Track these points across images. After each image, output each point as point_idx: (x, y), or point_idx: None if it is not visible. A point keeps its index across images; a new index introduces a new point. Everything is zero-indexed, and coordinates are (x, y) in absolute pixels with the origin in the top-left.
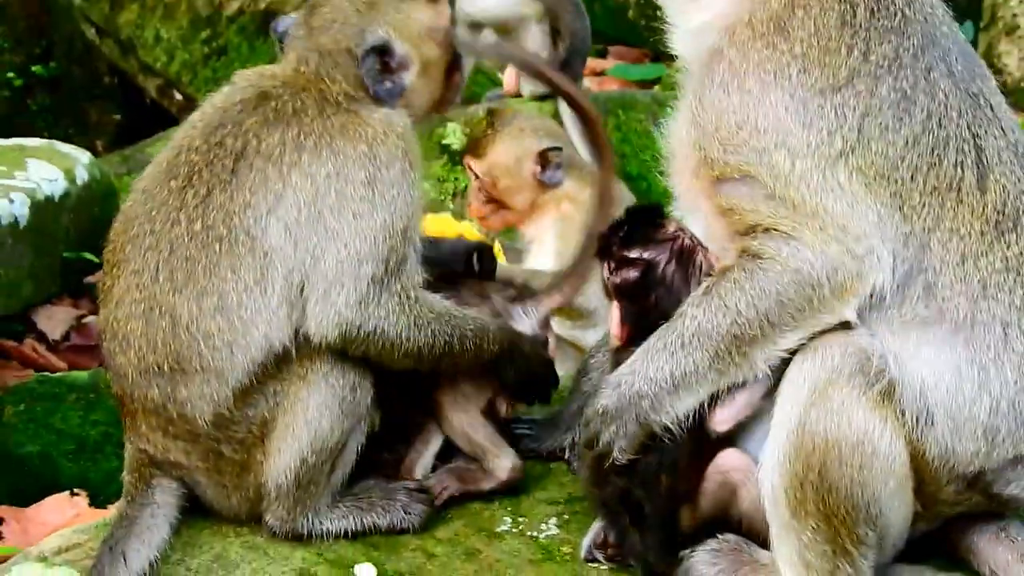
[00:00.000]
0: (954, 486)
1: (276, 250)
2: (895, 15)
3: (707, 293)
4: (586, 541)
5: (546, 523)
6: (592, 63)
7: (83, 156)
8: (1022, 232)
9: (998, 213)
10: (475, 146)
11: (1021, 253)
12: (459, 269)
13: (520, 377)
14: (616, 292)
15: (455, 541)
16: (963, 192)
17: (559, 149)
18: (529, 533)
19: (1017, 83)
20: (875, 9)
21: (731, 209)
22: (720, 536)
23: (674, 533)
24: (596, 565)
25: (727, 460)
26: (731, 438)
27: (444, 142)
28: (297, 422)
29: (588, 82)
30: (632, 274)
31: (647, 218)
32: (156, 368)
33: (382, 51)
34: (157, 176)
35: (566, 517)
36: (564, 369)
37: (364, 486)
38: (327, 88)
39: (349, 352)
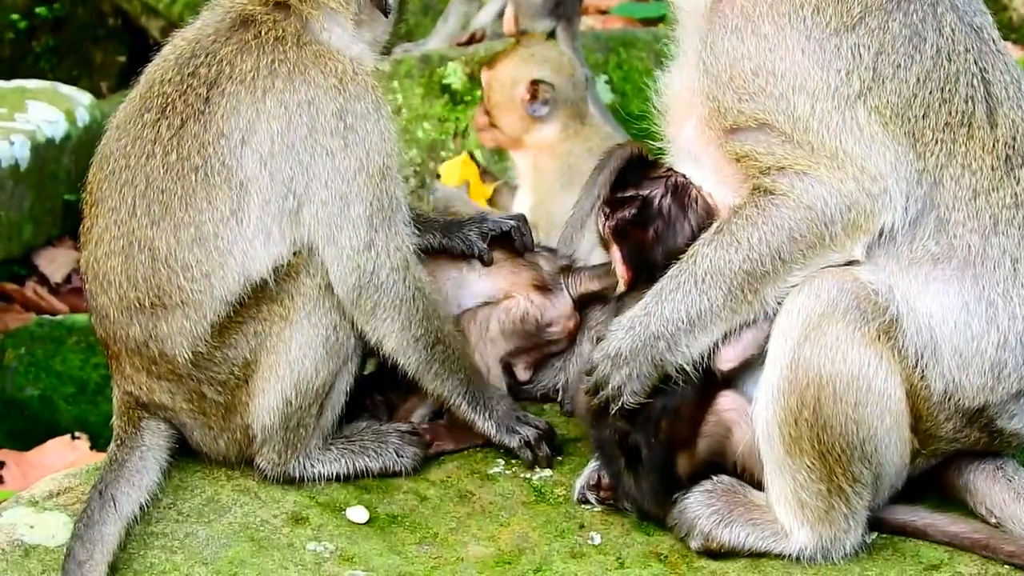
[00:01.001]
0: (953, 423)
1: (252, 180)
2: None
3: (719, 231)
4: (579, 483)
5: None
6: (597, 1)
7: (84, 98)
8: None
9: (1008, 147)
10: (493, 57)
11: None
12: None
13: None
14: (614, 234)
15: (447, 483)
16: (974, 127)
17: (551, 85)
18: (522, 475)
19: (1023, 19)
20: None
21: (745, 156)
22: (715, 478)
23: (670, 477)
24: (588, 507)
25: (723, 401)
26: (733, 381)
27: (445, 82)
28: (280, 363)
29: (591, 20)
30: (629, 211)
31: (635, 161)
32: (137, 304)
33: None
34: (131, 111)
35: (559, 459)
36: None
37: (356, 428)
38: (316, 2)
39: (359, 309)
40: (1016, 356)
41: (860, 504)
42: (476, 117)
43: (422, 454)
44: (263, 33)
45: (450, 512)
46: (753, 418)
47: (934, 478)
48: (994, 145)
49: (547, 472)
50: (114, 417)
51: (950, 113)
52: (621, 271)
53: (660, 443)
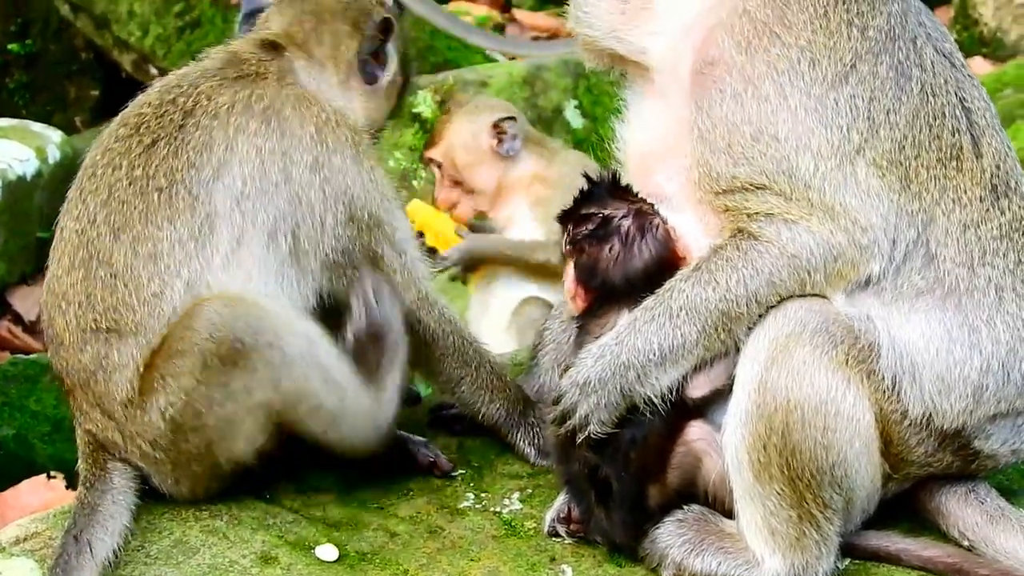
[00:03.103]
0: (925, 447)
1: (221, 216)
2: None
3: (698, 269)
4: (549, 516)
5: (509, 498)
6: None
7: (54, 135)
8: (1013, 195)
9: (994, 176)
10: (431, 138)
11: (1014, 217)
12: None
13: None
14: (571, 246)
15: (417, 519)
16: (963, 159)
17: (513, 119)
18: (492, 509)
19: (993, 33)
20: None
21: (735, 208)
22: (685, 507)
23: (642, 509)
24: (559, 540)
25: (692, 431)
26: (703, 410)
27: (415, 111)
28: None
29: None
30: (587, 226)
31: (607, 182)
32: (93, 326)
33: (384, 29)
34: (112, 129)
35: (529, 491)
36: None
37: None
38: (308, 51)
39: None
40: (997, 379)
41: (832, 530)
42: (441, 197)
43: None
44: (246, 69)
45: (420, 548)
46: (722, 444)
47: (906, 501)
48: (981, 176)
49: (517, 506)
50: (80, 458)
51: (940, 148)
52: (570, 287)
53: (630, 475)
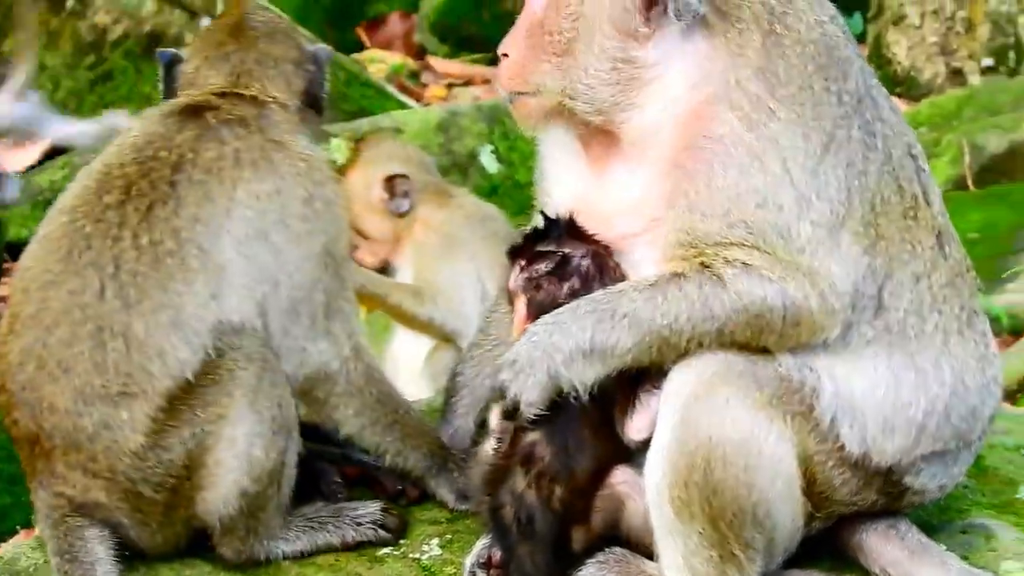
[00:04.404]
0: (849, 487)
1: (229, 265)
2: (837, 39)
3: (655, 287)
4: (469, 561)
5: (428, 544)
6: (484, 70)
7: None
8: (952, 240)
9: (939, 223)
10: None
11: (956, 263)
12: None
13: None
14: (526, 285)
15: (336, 567)
16: (919, 209)
17: (406, 177)
18: (411, 555)
19: (907, 72)
20: (825, 38)
21: (710, 255)
22: (607, 549)
23: (565, 552)
24: None
25: (616, 475)
26: (630, 453)
27: (330, 159)
28: (226, 458)
29: (477, 90)
30: (546, 265)
31: (563, 222)
32: (102, 392)
33: (316, 60)
34: (84, 196)
35: (448, 537)
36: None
37: (315, 507)
38: (265, 95)
39: (311, 399)
40: (939, 420)
41: (753, 570)
42: None
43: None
44: (220, 119)
45: None
46: (645, 480)
47: (829, 539)
48: (932, 223)
49: (436, 552)
50: (42, 527)
51: (902, 201)
52: (520, 324)
53: (555, 514)
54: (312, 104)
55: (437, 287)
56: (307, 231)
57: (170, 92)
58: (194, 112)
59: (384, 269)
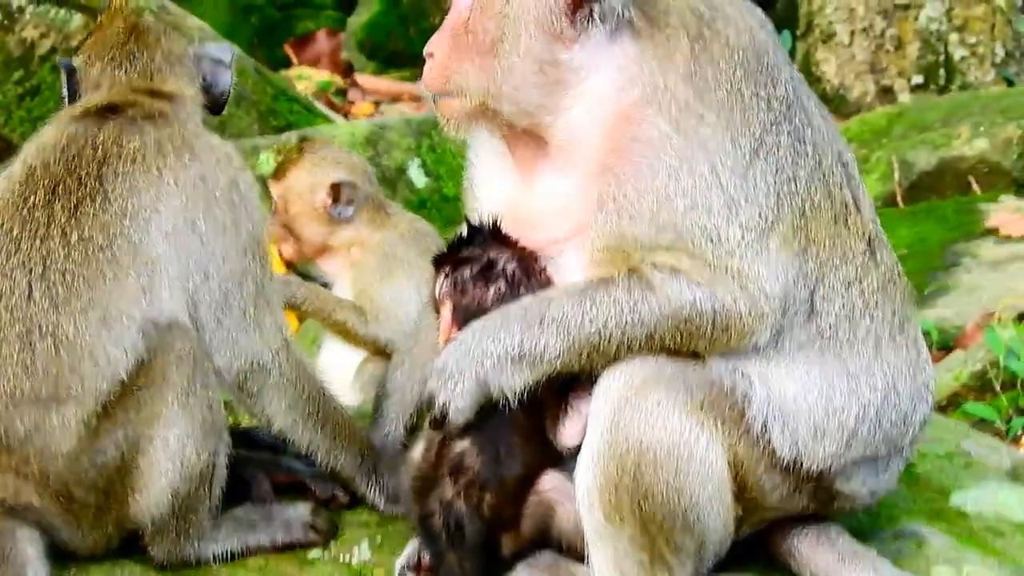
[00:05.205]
0: (779, 492)
1: (160, 259)
2: (766, 45)
3: (583, 292)
4: (399, 564)
5: (358, 547)
6: (411, 87)
7: None
8: (883, 247)
9: (870, 229)
10: (279, 168)
11: (887, 269)
12: None
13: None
14: (452, 290)
15: (266, 569)
16: (850, 215)
17: (353, 185)
18: (341, 557)
19: (836, 90)
20: (755, 44)
21: (637, 259)
22: (536, 553)
23: (494, 558)
24: None
25: (545, 481)
26: (562, 459)
27: (257, 173)
28: (159, 459)
29: (404, 106)
30: (471, 269)
31: (487, 228)
32: (32, 396)
33: (215, 59)
34: (9, 198)
35: (378, 540)
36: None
37: (244, 509)
38: (177, 91)
39: (244, 392)
40: (871, 425)
41: (683, 574)
42: (270, 229)
43: (311, 520)
44: (140, 114)
45: None
46: (576, 483)
47: (759, 544)
48: (863, 230)
49: (367, 554)
50: None
51: (832, 207)
52: (447, 329)
53: (484, 521)
54: (213, 102)
55: (379, 306)
56: (233, 220)
57: (73, 96)
58: (111, 110)
59: (293, 267)
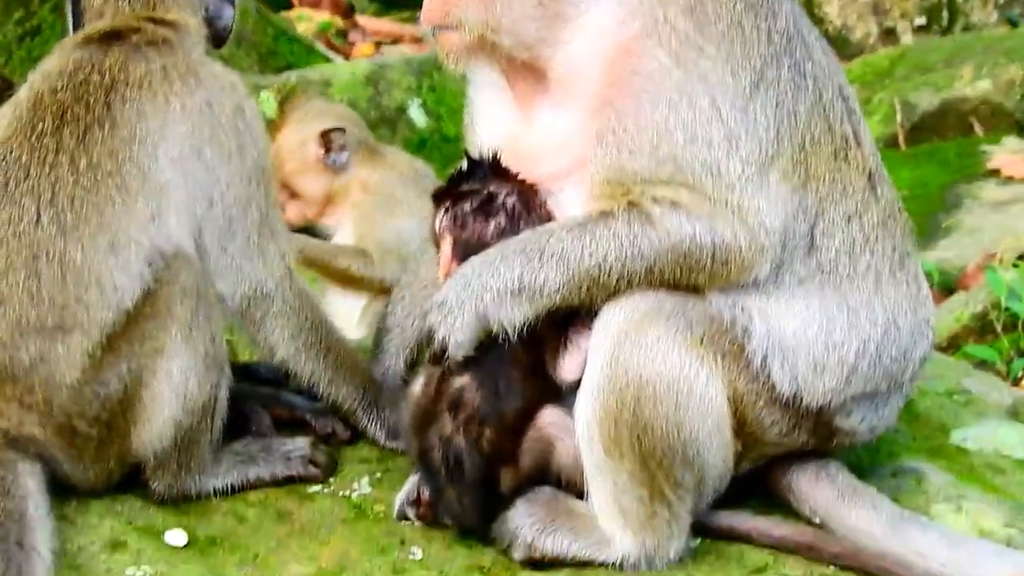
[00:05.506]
0: (779, 427)
1: (169, 184)
2: None
3: (583, 226)
4: (398, 499)
5: (358, 482)
6: (412, 29)
7: None
8: (883, 182)
9: (871, 164)
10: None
11: (888, 204)
12: None
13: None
14: (452, 224)
15: (266, 503)
16: (850, 149)
17: (342, 130)
18: (341, 492)
19: (838, 32)
20: None
21: (637, 193)
22: (536, 488)
23: (493, 493)
24: (409, 523)
25: (544, 415)
26: (561, 394)
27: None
28: (162, 392)
29: (405, 47)
30: (472, 203)
31: (488, 161)
32: (37, 325)
33: None
34: (17, 126)
35: (378, 476)
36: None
37: (244, 442)
38: (180, 19)
39: (247, 319)
40: (871, 360)
41: (683, 509)
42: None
43: (314, 457)
44: (144, 41)
45: (270, 532)
46: (576, 417)
47: (759, 480)
48: (863, 164)
49: (367, 489)
50: None
51: (832, 141)
52: (447, 264)
53: (483, 456)
54: (215, 35)
55: (384, 247)
56: (238, 146)
57: (77, 25)
58: (116, 37)
59: (308, 230)
